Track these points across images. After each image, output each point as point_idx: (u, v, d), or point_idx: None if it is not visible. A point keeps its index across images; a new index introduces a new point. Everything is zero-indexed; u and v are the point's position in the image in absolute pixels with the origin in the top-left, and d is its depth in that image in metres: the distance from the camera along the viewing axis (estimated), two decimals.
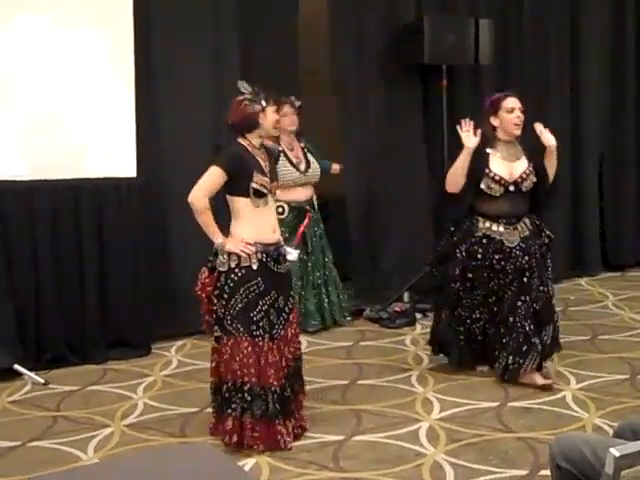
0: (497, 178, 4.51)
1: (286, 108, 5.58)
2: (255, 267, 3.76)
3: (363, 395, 4.55)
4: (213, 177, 3.77)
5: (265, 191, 3.80)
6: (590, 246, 7.41)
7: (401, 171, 6.40)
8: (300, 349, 4.08)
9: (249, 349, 3.74)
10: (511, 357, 4.54)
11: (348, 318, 6.12)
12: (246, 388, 3.75)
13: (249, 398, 3.75)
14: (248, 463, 3.70)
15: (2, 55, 4.99)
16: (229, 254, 3.76)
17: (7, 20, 5.00)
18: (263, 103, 3.82)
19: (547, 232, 4.68)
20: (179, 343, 5.58)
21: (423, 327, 5.85)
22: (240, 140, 3.86)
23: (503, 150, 4.58)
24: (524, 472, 3.55)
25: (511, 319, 4.53)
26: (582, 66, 7.26)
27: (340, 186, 6.22)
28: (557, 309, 4.83)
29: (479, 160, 4.51)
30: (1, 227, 5.06)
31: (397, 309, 6.05)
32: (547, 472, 2.69)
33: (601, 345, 5.34)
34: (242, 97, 3.83)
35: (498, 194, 4.53)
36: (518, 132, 4.56)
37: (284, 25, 6.00)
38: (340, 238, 6.22)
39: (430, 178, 6.53)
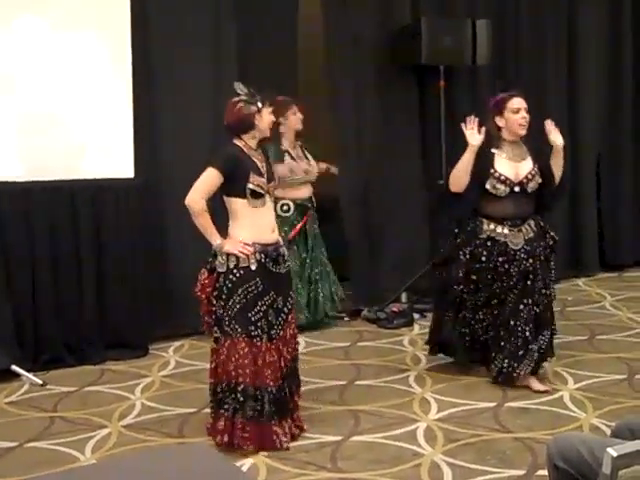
0: (502, 178, 4.46)
1: (294, 107, 5.66)
2: (254, 268, 3.76)
3: (361, 395, 4.55)
4: (209, 179, 3.77)
5: (262, 192, 3.81)
6: (588, 246, 7.42)
7: (398, 172, 6.40)
8: (297, 349, 4.08)
9: (245, 350, 3.75)
10: (506, 361, 4.52)
11: (346, 318, 6.14)
12: (239, 389, 3.75)
13: (241, 399, 3.75)
14: (246, 463, 3.70)
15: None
16: (227, 255, 3.76)
17: (5, 21, 5.00)
18: (259, 104, 3.82)
19: (551, 233, 4.64)
20: (177, 344, 5.58)
21: (421, 327, 5.85)
22: (236, 141, 3.87)
23: (508, 150, 4.53)
24: (522, 472, 3.55)
25: (512, 322, 4.50)
26: (579, 66, 7.27)
27: (336, 186, 6.21)
28: (555, 309, 4.83)
29: (484, 160, 4.47)
30: None
31: (395, 309, 6.05)
32: (545, 472, 2.69)
33: (599, 345, 5.34)
34: (238, 98, 3.83)
35: (503, 195, 4.48)
36: (523, 132, 4.51)
37: (283, 25, 6.00)
38: (336, 238, 6.23)
39: (427, 178, 6.55)
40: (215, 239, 3.78)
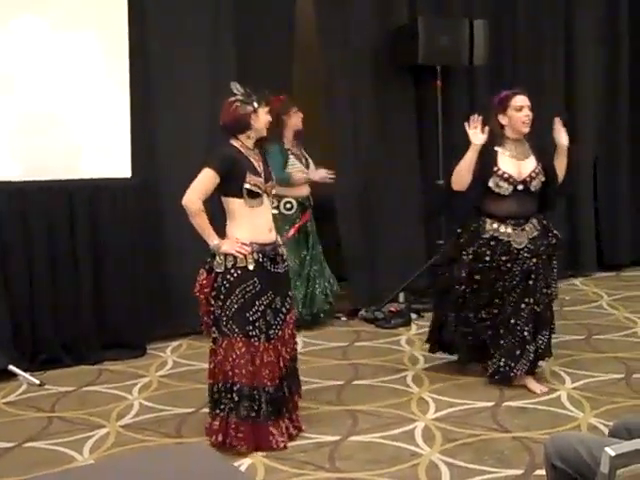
0: (506, 176, 4.43)
1: (294, 107, 5.73)
2: (251, 267, 3.76)
3: (359, 395, 4.56)
4: (206, 179, 3.77)
5: (259, 191, 3.81)
6: (585, 246, 7.43)
7: (395, 172, 6.41)
8: (296, 349, 4.09)
9: (243, 350, 3.75)
10: (503, 360, 4.52)
11: (343, 318, 6.15)
12: (235, 389, 3.76)
13: (236, 398, 3.76)
14: (244, 463, 3.71)
15: None
16: (225, 255, 3.76)
17: (3, 22, 5.00)
18: (255, 104, 3.82)
19: (554, 232, 4.61)
20: (175, 344, 5.58)
21: (418, 327, 5.86)
22: (232, 141, 3.87)
23: (512, 148, 4.50)
24: (519, 472, 3.55)
25: (512, 321, 4.48)
26: (576, 67, 7.28)
27: (333, 186, 6.21)
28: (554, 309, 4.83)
29: (487, 158, 4.44)
30: None
31: (392, 309, 6.05)
32: (542, 472, 2.70)
33: (596, 345, 5.35)
34: (234, 98, 3.83)
35: (507, 193, 4.44)
36: (527, 130, 4.48)
37: (282, 26, 5.99)
38: (332, 238, 6.24)
39: (424, 178, 6.55)
40: (212, 239, 3.78)
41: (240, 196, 3.78)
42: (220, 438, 3.80)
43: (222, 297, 3.76)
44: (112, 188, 5.34)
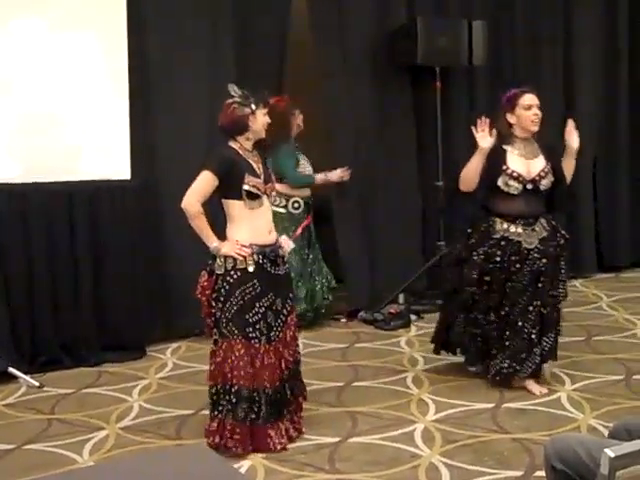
0: (515, 175, 4.39)
1: (297, 108, 5.83)
2: (251, 269, 3.76)
3: (358, 397, 4.55)
4: (204, 181, 3.77)
5: (258, 192, 3.81)
6: (585, 247, 7.42)
7: (394, 173, 6.41)
8: (299, 352, 4.08)
9: (242, 352, 3.75)
10: (507, 361, 4.49)
11: (343, 320, 6.15)
12: (233, 390, 3.76)
13: (234, 400, 3.76)
14: (244, 465, 3.71)
15: None
16: (225, 257, 3.76)
17: (2, 23, 5.00)
18: (253, 106, 3.82)
19: (562, 232, 4.57)
20: (174, 345, 5.58)
21: (418, 329, 5.86)
22: (231, 143, 3.87)
23: (520, 147, 4.47)
24: (519, 473, 3.55)
25: (520, 323, 4.45)
26: (575, 67, 7.28)
27: (332, 187, 6.22)
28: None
29: (496, 157, 4.40)
30: None
31: (392, 311, 6.05)
32: (542, 473, 2.69)
33: (596, 346, 5.35)
34: (231, 100, 3.84)
35: (516, 192, 4.40)
36: (536, 129, 4.45)
37: (280, 27, 5.99)
38: (330, 239, 6.25)
39: (423, 179, 6.55)
40: (212, 241, 3.78)
41: (239, 198, 3.78)
42: (217, 439, 3.80)
43: (222, 299, 3.76)
44: (112, 189, 5.34)
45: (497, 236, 4.44)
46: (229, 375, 3.76)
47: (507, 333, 4.49)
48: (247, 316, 3.75)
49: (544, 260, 4.45)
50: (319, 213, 6.14)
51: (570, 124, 4.53)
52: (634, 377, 4.71)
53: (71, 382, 4.93)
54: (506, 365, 4.50)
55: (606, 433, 3.06)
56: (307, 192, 5.91)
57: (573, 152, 4.52)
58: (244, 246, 3.76)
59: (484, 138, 4.38)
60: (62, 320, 5.21)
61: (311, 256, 5.95)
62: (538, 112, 4.45)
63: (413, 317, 6.08)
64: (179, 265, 5.42)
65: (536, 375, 4.58)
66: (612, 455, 1.92)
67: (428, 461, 3.71)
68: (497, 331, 4.54)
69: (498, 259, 4.43)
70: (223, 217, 3.89)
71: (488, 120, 4.40)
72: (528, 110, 4.43)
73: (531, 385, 4.53)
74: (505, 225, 4.45)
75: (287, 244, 4.02)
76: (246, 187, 3.77)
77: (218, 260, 3.77)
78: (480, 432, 4.01)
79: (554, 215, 4.64)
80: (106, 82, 5.28)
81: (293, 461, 3.75)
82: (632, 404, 4.29)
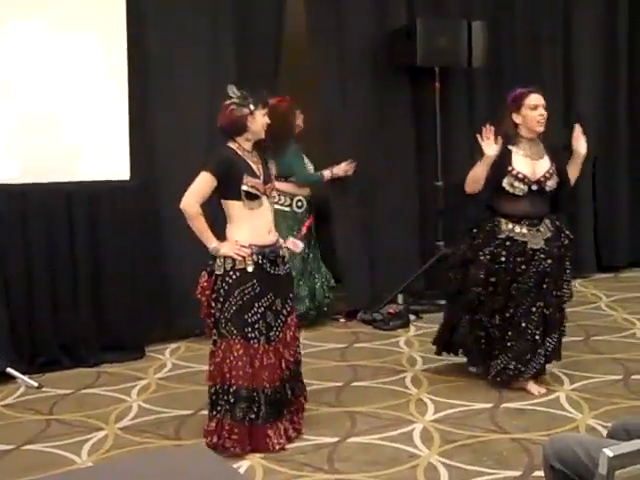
0: (520, 176, 4.37)
1: (298, 108, 5.87)
2: (250, 269, 3.76)
3: (357, 397, 4.56)
4: (203, 182, 3.78)
5: (257, 193, 3.81)
6: (584, 248, 7.41)
7: (393, 173, 6.40)
8: (300, 352, 4.08)
9: (240, 352, 3.75)
10: (513, 363, 4.46)
11: (342, 320, 6.15)
12: (232, 390, 3.76)
13: (232, 400, 3.76)
14: (243, 465, 3.71)
15: None
16: (225, 257, 3.77)
17: (1, 23, 4.99)
18: (251, 107, 3.82)
19: (567, 232, 4.55)
20: (173, 346, 5.58)
21: (417, 329, 5.86)
22: (230, 144, 3.88)
23: (526, 148, 4.44)
24: (518, 473, 3.55)
25: (523, 324, 4.42)
26: (575, 68, 7.27)
27: (331, 188, 6.22)
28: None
29: (501, 157, 4.38)
30: None
31: (391, 311, 6.04)
32: (541, 473, 2.69)
33: (594, 346, 5.35)
34: (230, 101, 3.84)
35: (521, 193, 4.38)
36: (541, 129, 4.43)
37: (276, 26, 5.99)
38: (328, 238, 6.26)
39: (422, 179, 6.55)
40: (211, 242, 3.79)
41: (238, 198, 3.79)
42: (215, 439, 3.80)
43: (221, 299, 3.76)
44: (111, 190, 5.34)
45: (502, 236, 4.42)
46: (228, 375, 3.76)
47: (510, 334, 4.47)
48: (246, 316, 3.75)
49: (549, 261, 4.43)
50: (317, 213, 6.14)
51: (578, 129, 4.50)
52: (632, 377, 4.71)
53: (70, 382, 4.93)
54: (512, 367, 4.47)
55: (605, 433, 3.05)
56: (308, 191, 5.94)
57: (580, 158, 4.50)
58: (243, 246, 3.77)
59: (490, 146, 4.35)
60: (61, 320, 5.21)
61: (311, 255, 5.98)
62: (544, 112, 4.43)
63: (412, 317, 6.08)
64: (178, 265, 5.43)
65: (542, 375, 4.57)
66: (611, 455, 1.92)
67: (427, 461, 3.71)
68: (500, 332, 4.51)
69: (503, 259, 4.41)
70: (223, 217, 3.90)
71: (493, 128, 4.37)
72: (534, 110, 4.40)
73: (530, 385, 4.53)
74: (510, 225, 4.43)
75: (296, 245, 4.03)
76: (244, 188, 3.77)
77: (218, 260, 3.78)
78: (479, 432, 4.01)
79: (557, 215, 4.62)
80: (105, 82, 5.28)
81: (292, 461, 3.75)
82: (630, 404, 4.29)
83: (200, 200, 3.79)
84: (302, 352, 4.14)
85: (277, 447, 3.82)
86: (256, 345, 3.77)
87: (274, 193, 4.08)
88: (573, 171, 4.55)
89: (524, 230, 4.42)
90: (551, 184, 4.45)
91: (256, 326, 3.77)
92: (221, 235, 3.84)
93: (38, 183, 5.11)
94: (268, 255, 3.84)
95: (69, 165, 5.25)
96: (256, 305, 3.78)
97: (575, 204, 5.05)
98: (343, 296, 6.27)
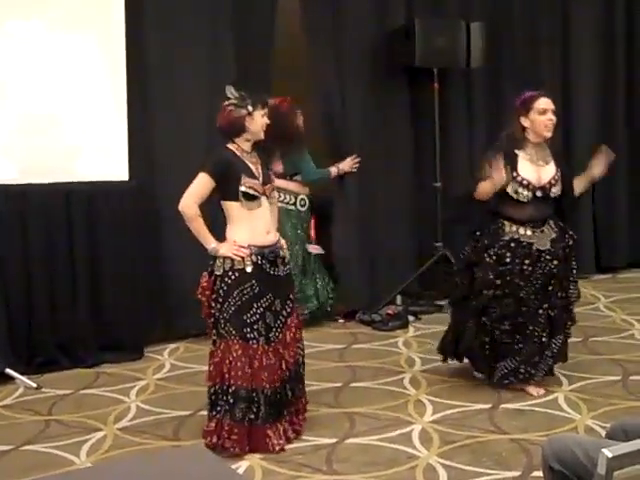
0: (525, 183, 4.33)
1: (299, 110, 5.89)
2: (249, 270, 3.77)
3: (356, 398, 4.56)
4: (201, 184, 3.80)
5: (256, 194, 3.81)
6: (583, 248, 7.40)
7: (391, 174, 6.41)
8: (302, 354, 4.06)
9: (239, 352, 3.75)
10: (523, 366, 4.43)
11: (341, 321, 6.15)
12: (231, 391, 3.76)
13: (232, 400, 3.76)
14: (241, 466, 3.71)
15: None
16: (224, 258, 3.77)
17: (0, 23, 4.99)
18: (250, 108, 3.83)
19: (571, 233, 4.53)
20: (172, 346, 5.58)
21: (415, 330, 5.86)
22: (229, 145, 3.88)
23: (532, 153, 4.41)
24: (517, 474, 3.55)
25: (530, 327, 4.41)
26: (574, 68, 7.28)
27: (330, 188, 6.22)
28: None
29: (507, 163, 4.33)
30: None
31: (390, 312, 6.04)
32: (540, 473, 2.69)
33: (593, 347, 5.35)
34: (228, 102, 3.85)
35: (526, 200, 4.35)
36: (549, 134, 4.38)
37: (271, 26, 5.99)
38: (326, 238, 6.26)
39: (420, 180, 6.55)
40: (209, 243, 3.80)
41: (237, 199, 3.79)
42: (214, 439, 3.80)
43: (221, 300, 3.77)
44: (110, 190, 5.33)
45: (506, 238, 4.39)
46: (227, 375, 3.76)
47: (517, 337, 4.44)
48: (245, 317, 3.75)
49: (555, 262, 4.41)
50: (319, 213, 6.16)
51: (603, 153, 4.51)
52: (631, 378, 4.71)
53: (69, 383, 4.93)
54: (522, 371, 4.45)
55: (603, 433, 3.06)
56: (309, 190, 5.97)
57: (592, 179, 4.53)
58: (241, 247, 3.77)
59: (500, 175, 4.30)
60: (60, 321, 5.21)
61: (312, 255, 5.99)
62: (553, 117, 4.38)
63: (411, 318, 6.08)
64: (177, 265, 5.43)
65: (548, 375, 4.58)
66: (609, 455, 1.92)
67: (426, 462, 3.71)
68: (508, 337, 4.47)
69: (508, 260, 4.37)
70: (222, 218, 3.91)
71: (502, 160, 4.32)
72: (543, 114, 4.36)
73: (529, 386, 4.53)
74: (514, 227, 4.40)
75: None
76: (243, 188, 3.78)
77: (217, 261, 3.78)
78: (478, 433, 4.01)
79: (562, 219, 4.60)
80: (104, 82, 5.28)
81: (291, 462, 3.75)
82: (629, 405, 4.30)
83: (198, 201, 3.80)
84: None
85: (277, 448, 3.82)
86: (255, 345, 3.77)
87: (275, 193, 4.07)
88: (580, 186, 4.55)
89: (528, 232, 4.40)
90: (556, 190, 4.43)
91: (255, 326, 3.77)
92: (221, 236, 3.84)
93: (37, 183, 5.11)
94: (267, 256, 3.85)
95: (68, 165, 5.24)
96: (255, 305, 3.78)
97: (577, 212, 5.02)
98: (342, 297, 6.25)
